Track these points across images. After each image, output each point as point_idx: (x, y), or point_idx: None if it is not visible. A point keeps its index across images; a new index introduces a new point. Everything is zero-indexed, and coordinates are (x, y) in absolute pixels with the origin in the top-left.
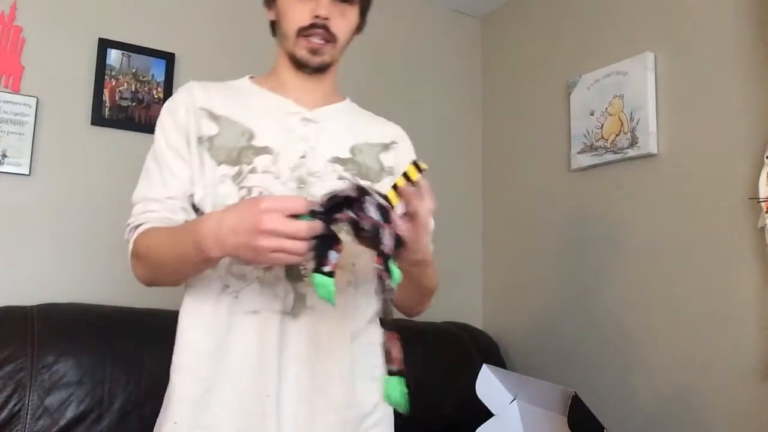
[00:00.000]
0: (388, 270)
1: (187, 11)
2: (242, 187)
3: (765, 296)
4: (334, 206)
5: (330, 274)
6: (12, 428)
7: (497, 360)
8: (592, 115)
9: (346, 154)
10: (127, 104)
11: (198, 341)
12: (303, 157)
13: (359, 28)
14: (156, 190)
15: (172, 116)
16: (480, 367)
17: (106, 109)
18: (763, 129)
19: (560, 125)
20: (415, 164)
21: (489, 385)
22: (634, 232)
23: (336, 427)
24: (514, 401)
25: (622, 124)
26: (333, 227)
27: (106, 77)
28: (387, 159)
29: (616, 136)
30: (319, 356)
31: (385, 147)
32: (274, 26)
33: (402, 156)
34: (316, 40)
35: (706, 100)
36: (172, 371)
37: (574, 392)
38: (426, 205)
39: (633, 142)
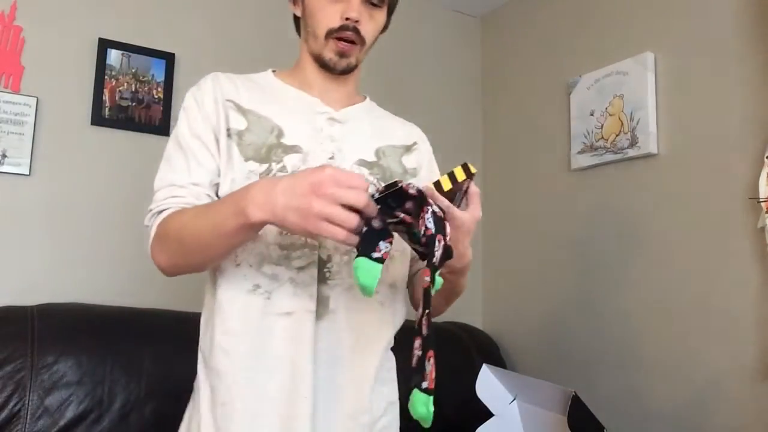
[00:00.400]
0: (433, 281)
1: (187, 11)
2: None
3: (765, 296)
4: (391, 195)
5: (379, 261)
6: (12, 428)
7: (497, 360)
8: (592, 115)
9: (371, 158)
10: (127, 104)
11: (232, 343)
12: (332, 158)
13: (384, 28)
14: (180, 176)
15: (199, 104)
16: (480, 367)
17: (106, 109)
18: (763, 129)
19: (560, 125)
20: (465, 167)
21: (489, 385)
22: (633, 232)
23: (361, 426)
24: (514, 401)
25: (622, 124)
26: (388, 220)
27: (106, 77)
28: (409, 161)
29: (616, 136)
30: (341, 359)
31: (407, 149)
32: (298, 22)
33: (423, 157)
34: (345, 43)
35: (706, 100)
36: (208, 375)
37: (574, 392)
38: (474, 213)
39: (633, 142)
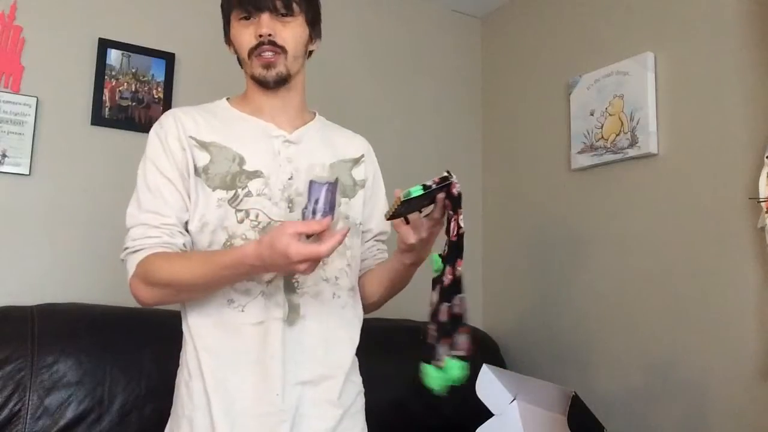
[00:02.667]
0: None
1: (187, 11)
2: (239, 210)
3: (765, 296)
4: (439, 189)
5: (439, 368)
6: (12, 428)
7: (497, 360)
8: (592, 115)
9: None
10: (127, 104)
11: (210, 351)
12: (290, 178)
13: (312, 37)
14: (151, 216)
15: (163, 145)
16: (480, 367)
17: (106, 109)
18: (763, 129)
19: (560, 125)
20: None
21: (489, 385)
22: (634, 232)
23: (333, 419)
24: (514, 401)
25: (622, 124)
26: (424, 201)
27: (106, 77)
28: (358, 173)
29: (616, 136)
30: (314, 359)
31: (356, 162)
32: (239, 59)
33: (369, 168)
34: (267, 55)
35: (706, 100)
36: (188, 382)
37: (574, 392)
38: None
39: (633, 142)
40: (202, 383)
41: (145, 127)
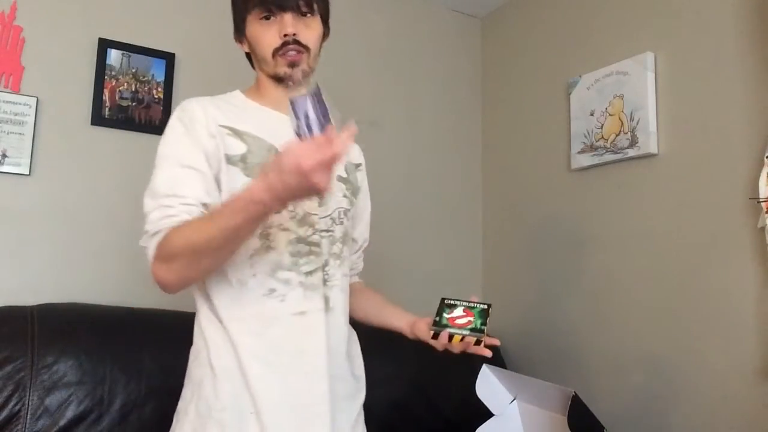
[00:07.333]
0: None
1: (187, 11)
2: None
3: (765, 296)
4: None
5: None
6: (12, 428)
7: (497, 360)
8: (592, 115)
9: (343, 173)
10: (127, 104)
11: (251, 344)
12: None
13: (325, 35)
14: (169, 200)
15: (188, 131)
16: (480, 367)
17: (106, 109)
18: (763, 129)
19: (560, 125)
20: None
21: (489, 385)
22: (633, 232)
23: (356, 409)
24: (514, 401)
25: (622, 124)
26: None
27: (106, 77)
28: (359, 177)
29: (616, 136)
30: (342, 350)
31: (357, 167)
32: (250, 57)
33: (364, 176)
34: (292, 54)
35: (706, 100)
36: (212, 379)
37: (574, 392)
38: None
39: (633, 142)
40: (243, 382)
41: (145, 127)
